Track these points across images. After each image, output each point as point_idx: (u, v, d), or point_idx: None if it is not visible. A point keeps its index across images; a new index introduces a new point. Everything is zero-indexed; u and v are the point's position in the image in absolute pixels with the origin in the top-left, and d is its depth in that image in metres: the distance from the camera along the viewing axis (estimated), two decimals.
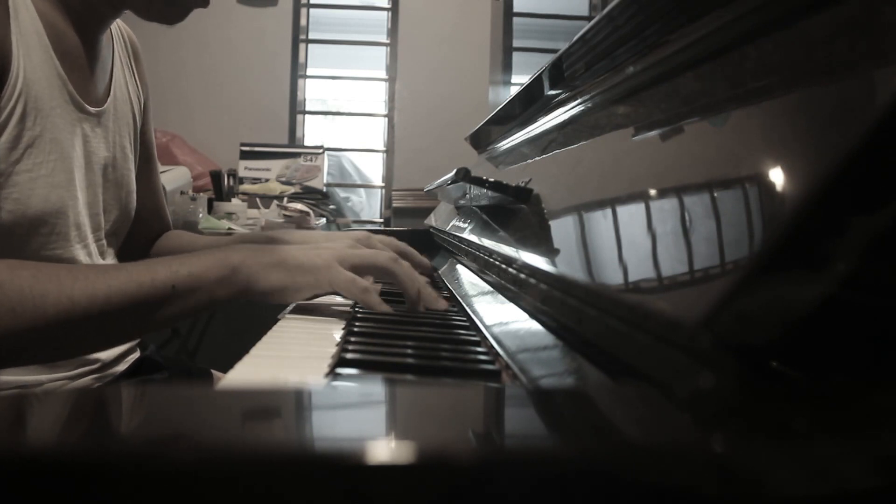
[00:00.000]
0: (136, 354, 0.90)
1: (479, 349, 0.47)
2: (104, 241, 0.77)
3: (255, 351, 0.45)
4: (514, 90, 0.99)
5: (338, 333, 0.51)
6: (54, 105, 0.65)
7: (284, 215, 1.83)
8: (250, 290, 0.57)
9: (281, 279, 0.58)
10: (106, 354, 0.80)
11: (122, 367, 0.84)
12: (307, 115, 2.77)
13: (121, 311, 0.54)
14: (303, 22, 2.72)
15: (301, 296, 0.59)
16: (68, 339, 0.55)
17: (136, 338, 0.61)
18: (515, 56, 2.64)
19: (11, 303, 0.51)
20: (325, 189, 2.36)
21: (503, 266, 0.58)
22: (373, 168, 2.91)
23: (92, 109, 0.72)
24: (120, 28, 0.84)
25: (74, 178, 0.68)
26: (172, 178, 1.83)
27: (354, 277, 0.59)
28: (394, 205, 2.62)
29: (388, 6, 2.71)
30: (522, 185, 0.62)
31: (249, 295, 0.58)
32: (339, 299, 0.72)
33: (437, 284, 0.72)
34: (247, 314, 1.53)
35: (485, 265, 0.67)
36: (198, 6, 0.71)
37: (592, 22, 0.54)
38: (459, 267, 0.85)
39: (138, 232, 0.89)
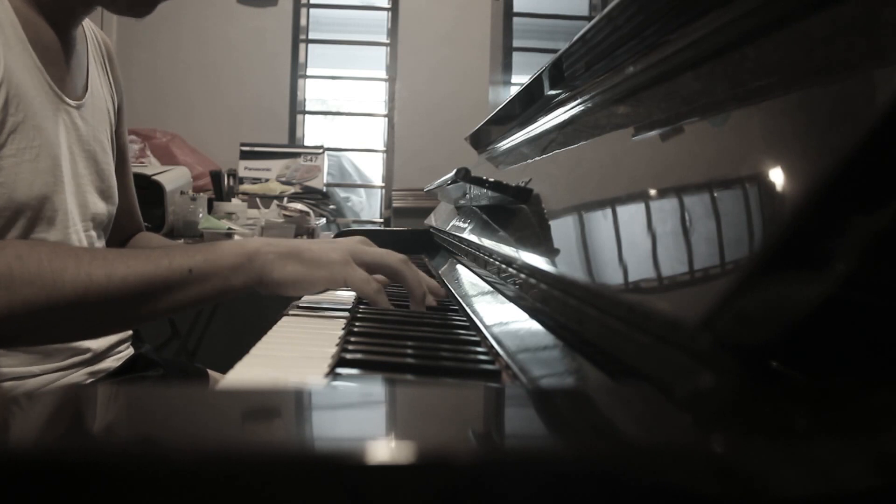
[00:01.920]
0: (130, 351, 0.90)
1: (479, 349, 0.47)
2: (93, 233, 0.77)
3: (255, 351, 0.45)
4: (514, 90, 0.99)
5: (338, 333, 0.51)
6: (35, 94, 0.66)
7: (284, 215, 1.83)
8: (264, 279, 0.58)
9: (296, 271, 0.58)
10: (97, 344, 0.80)
11: (114, 361, 0.85)
12: (307, 115, 2.77)
13: (137, 293, 0.55)
14: (303, 22, 2.71)
15: (315, 289, 0.60)
16: (85, 317, 0.56)
17: (152, 321, 0.61)
18: (515, 56, 2.63)
19: (30, 275, 0.51)
20: (325, 189, 2.36)
21: (503, 266, 0.58)
22: (373, 168, 2.91)
23: (71, 102, 0.72)
24: (93, 31, 0.85)
25: (60, 165, 0.69)
26: (172, 178, 1.82)
27: (370, 278, 0.60)
28: (394, 205, 2.62)
29: (388, 6, 2.71)
30: (522, 185, 0.62)
31: (264, 284, 0.58)
32: (340, 294, 0.72)
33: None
34: (247, 314, 1.53)
35: (485, 265, 0.67)
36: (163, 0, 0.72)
37: (592, 22, 0.54)
38: (459, 267, 0.85)
39: (112, 231, 0.89)
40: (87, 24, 0.81)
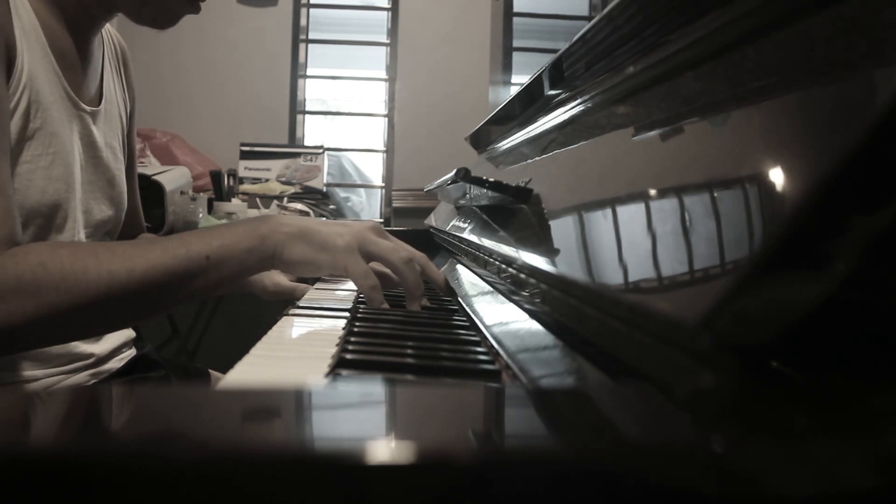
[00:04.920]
0: (132, 352, 0.90)
1: (479, 349, 0.47)
2: (97, 239, 0.77)
3: (255, 351, 0.45)
4: (514, 90, 0.99)
5: (338, 333, 0.51)
6: (53, 100, 0.66)
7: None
8: (276, 259, 0.60)
9: (304, 252, 0.60)
10: (100, 349, 0.80)
11: (116, 363, 0.85)
12: (307, 115, 2.77)
13: (158, 284, 0.56)
14: (303, 22, 2.71)
15: (320, 272, 0.62)
16: (109, 313, 0.57)
17: (173, 309, 0.64)
18: (515, 56, 2.63)
19: (55, 280, 0.52)
20: (325, 189, 2.36)
21: (503, 266, 0.58)
22: (373, 168, 2.91)
23: (87, 108, 0.72)
24: (111, 34, 0.84)
25: (73, 172, 0.69)
26: (172, 178, 1.82)
27: (368, 272, 0.61)
28: (394, 205, 2.62)
29: (388, 6, 2.71)
30: (522, 185, 0.62)
31: (275, 264, 0.61)
32: (340, 294, 0.72)
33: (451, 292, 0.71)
34: (247, 314, 1.53)
35: (485, 265, 0.67)
36: (188, 12, 0.72)
37: (592, 22, 0.54)
38: (459, 267, 0.85)
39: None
40: (105, 28, 0.81)
